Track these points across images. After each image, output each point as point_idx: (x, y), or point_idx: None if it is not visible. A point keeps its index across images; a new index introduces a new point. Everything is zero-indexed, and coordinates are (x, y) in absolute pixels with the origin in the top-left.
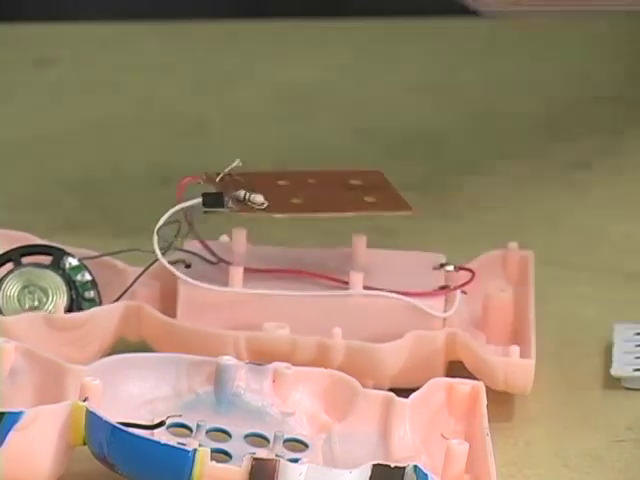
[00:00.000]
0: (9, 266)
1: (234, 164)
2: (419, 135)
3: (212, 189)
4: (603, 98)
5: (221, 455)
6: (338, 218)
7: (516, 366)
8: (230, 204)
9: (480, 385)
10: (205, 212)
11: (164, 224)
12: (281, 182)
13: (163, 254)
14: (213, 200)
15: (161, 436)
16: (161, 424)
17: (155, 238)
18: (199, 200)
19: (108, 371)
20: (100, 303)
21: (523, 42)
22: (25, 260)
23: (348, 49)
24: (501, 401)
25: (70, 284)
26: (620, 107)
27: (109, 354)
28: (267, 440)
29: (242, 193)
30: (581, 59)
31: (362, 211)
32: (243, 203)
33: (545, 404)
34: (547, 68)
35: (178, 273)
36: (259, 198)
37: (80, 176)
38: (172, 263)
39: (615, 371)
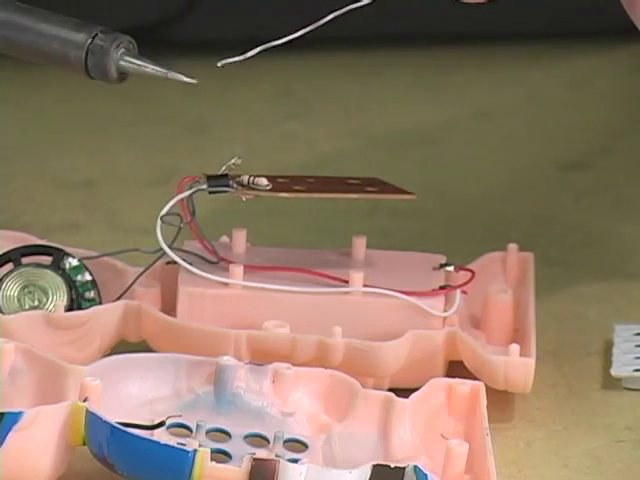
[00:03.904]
0: (9, 266)
1: (232, 161)
2: (418, 136)
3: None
4: (604, 98)
5: (221, 455)
6: (341, 200)
7: (516, 364)
8: (235, 186)
9: (480, 385)
10: (210, 193)
11: (167, 214)
12: (281, 180)
13: (169, 246)
14: (218, 182)
15: (161, 436)
16: (161, 424)
17: (158, 223)
18: (204, 186)
19: (108, 371)
20: (100, 303)
21: (522, 43)
22: (25, 260)
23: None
24: (501, 401)
25: (70, 284)
26: (621, 107)
27: (109, 354)
28: (267, 440)
29: (246, 177)
30: (581, 60)
31: (365, 195)
32: (247, 186)
33: (545, 404)
34: (546, 70)
35: (182, 262)
36: (263, 181)
37: (80, 176)
38: (172, 263)
39: (615, 371)
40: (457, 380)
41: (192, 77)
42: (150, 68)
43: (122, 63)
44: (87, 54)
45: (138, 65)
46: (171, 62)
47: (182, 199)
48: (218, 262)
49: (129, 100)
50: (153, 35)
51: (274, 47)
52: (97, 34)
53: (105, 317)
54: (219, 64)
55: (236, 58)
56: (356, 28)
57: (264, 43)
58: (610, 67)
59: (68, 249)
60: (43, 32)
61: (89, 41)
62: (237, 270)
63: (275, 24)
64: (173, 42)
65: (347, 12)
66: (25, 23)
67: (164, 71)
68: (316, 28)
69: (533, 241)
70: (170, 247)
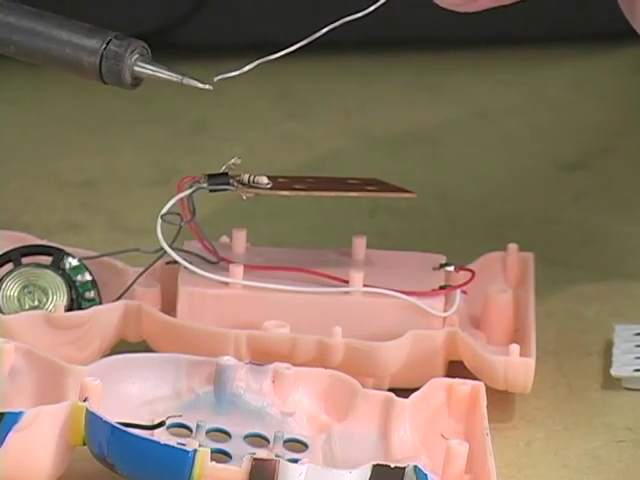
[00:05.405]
0: (9, 266)
1: (232, 160)
2: (418, 136)
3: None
4: (604, 98)
5: (221, 455)
6: (342, 199)
7: (516, 364)
8: (235, 184)
9: (480, 385)
10: (211, 191)
11: (167, 213)
12: (281, 179)
13: (169, 246)
14: (218, 180)
15: (161, 436)
16: (161, 424)
17: (159, 222)
18: (204, 185)
19: (108, 371)
20: (100, 303)
21: (523, 44)
22: (25, 260)
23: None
24: (501, 401)
25: (70, 284)
26: (621, 107)
27: (109, 354)
28: (267, 440)
29: (247, 176)
30: (581, 61)
31: (365, 193)
32: (248, 185)
33: (545, 404)
34: (546, 70)
35: (182, 261)
36: (263, 179)
37: (80, 176)
38: (172, 263)
39: (615, 371)
40: (457, 380)
41: (206, 83)
42: (164, 74)
43: (136, 69)
44: (101, 60)
45: (153, 71)
46: (174, 66)
47: (182, 198)
48: (218, 262)
49: (129, 100)
50: (156, 39)
51: (272, 52)
52: (111, 39)
53: (105, 317)
54: (215, 79)
55: (232, 73)
56: (356, 30)
57: (265, 48)
58: (610, 67)
59: (68, 249)
60: (56, 37)
61: (103, 47)
62: (237, 270)
63: (277, 29)
64: (176, 46)
65: (341, 18)
66: (37, 28)
67: (179, 77)
68: (311, 42)
69: (533, 241)
70: (170, 247)
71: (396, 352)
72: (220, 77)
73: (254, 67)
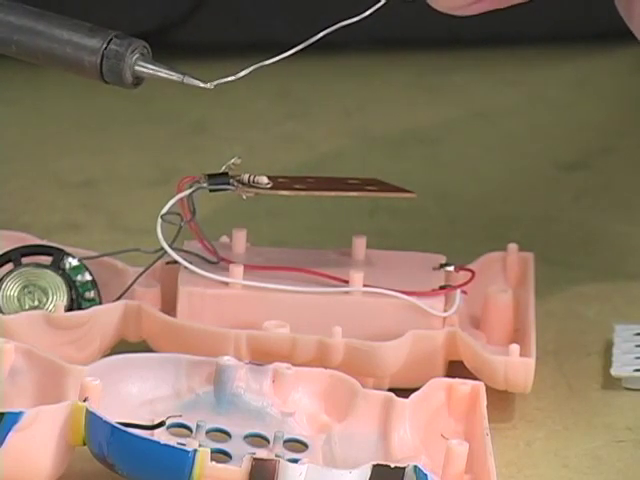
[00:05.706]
0: (9, 266)
1: (232, 160)
2: (418, 136)
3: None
4: (604, 98)
5: (221, 455)
6: (342, 199)
7: (516, 364)
8: (235, 184)
9: (480, 385)
10: (211, 191)
11: (167, 213)
12: (281, 179)
13: (169, 245)
14: (218, 180)
15: (161, 436)
16: (161, 424)
17: (159, 222)
18: (204, 184)
19: (108, 371)
20: (100, 303)
21: (522, 44)
22: (25, 260)
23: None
24: (501, 401)
25: (70, 284)
26: (621, 107)
27: (109, 354)
28: (267, 440)
29: (247, 176)
30: (581, 61)
31: (365, 193)
32: (248, 184)
33: (545, 404)
34: (546, 70)
35: (182, 261)
36: (264, 179)
37: (80, 176)
38: (172, 263)
39: (615, 371)
40: (457, 380)
41: (206, 82)
42: (165, 73)
43: (137, 68)
44: (102, 59)
45: (154, 70)
46: (174, 66)
47: (182, 198)
48: (218, 262)
49: (129, 100)
50: (156, 39)
51: (272, 52)
52: (112, 39)
53: (105, 317)
54: (213, 84)
55: (229, 78)
56: (355, 30)
57: (265, 48)
58: (610, 67)
59: (68, 249)
60: (57, 37)
61: (104, 46)
62: (237, 270)
63: (277, 29)
64: (176, 46)
65: (341, 18)
66: (38, 28)
67: (180, 76)
68: (309, 45)
69: (533, 241)
70: (170, 247)
71: (396, 352)
72: (218, 82)
73: (252, 70)
